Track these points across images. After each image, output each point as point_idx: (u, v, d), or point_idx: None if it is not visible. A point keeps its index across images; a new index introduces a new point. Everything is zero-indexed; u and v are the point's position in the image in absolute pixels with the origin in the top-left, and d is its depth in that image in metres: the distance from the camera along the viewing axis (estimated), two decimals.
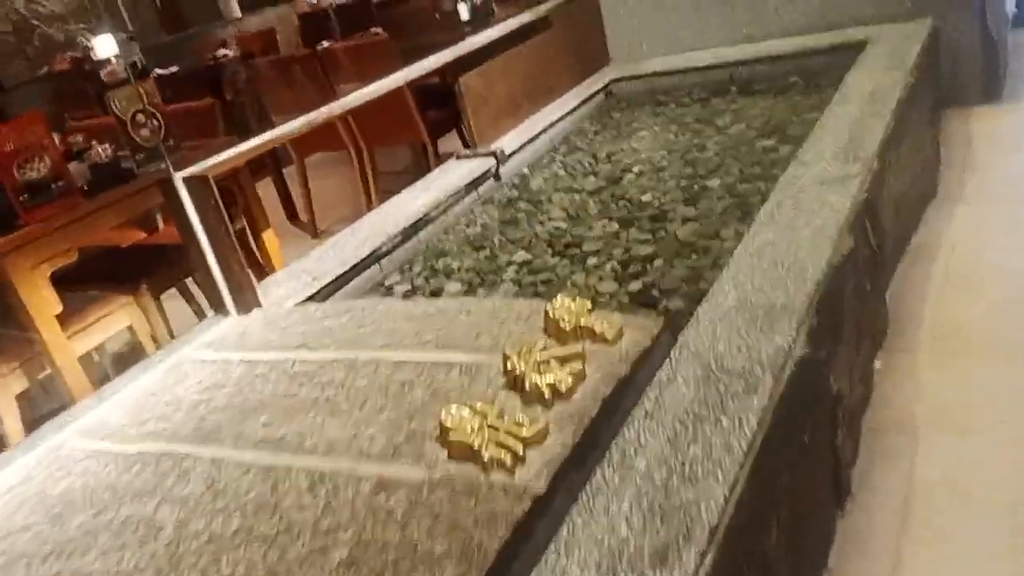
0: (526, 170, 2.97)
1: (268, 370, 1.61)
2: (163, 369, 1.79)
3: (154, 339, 2.24)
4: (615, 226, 2.33)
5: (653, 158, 2.76)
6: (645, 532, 1.05)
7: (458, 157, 2.90)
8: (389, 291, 2.28)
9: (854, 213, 1.79)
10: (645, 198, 2.46)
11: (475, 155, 2.86)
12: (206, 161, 1.93)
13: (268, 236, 2.49)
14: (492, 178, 2.84)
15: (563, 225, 2.43)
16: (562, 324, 1.42)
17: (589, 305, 1.46)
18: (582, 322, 1.42)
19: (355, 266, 2.26)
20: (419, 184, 2.74)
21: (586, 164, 2.89)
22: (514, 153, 2.95)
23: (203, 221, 1.94)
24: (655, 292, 1.92)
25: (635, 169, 2.71)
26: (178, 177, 1.90)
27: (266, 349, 1.71)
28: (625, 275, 2.03)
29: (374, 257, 2.30)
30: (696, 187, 2.44)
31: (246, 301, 2.01)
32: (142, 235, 2.66)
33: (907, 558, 1.44)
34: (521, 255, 2.29)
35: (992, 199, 2.57)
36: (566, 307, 1.44)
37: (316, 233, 3.66)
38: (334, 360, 1.55)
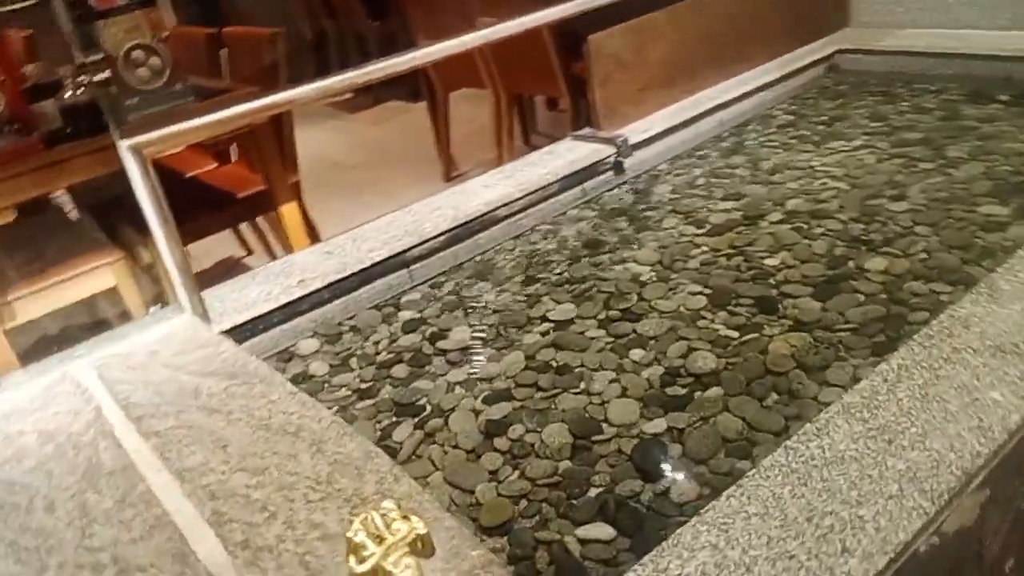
0: (664, 166, 2.28)
1: (71, 450, 1.22)
2: (48, 382, 1.48)
3: (147, 305, 1.97)
4: (702, 300, 1.64)
5: (824, 192, 1.96)
6: None
7: (575, 137, 2.27)
8: (396, 311, 1.80)
9: (1017, 443, 1.02)
10: (770, 262, 1.72)
11: (594, 138, 2.22)
12: (156, 130, 1.53)
13: (288, 210, 2.09)
14: (612, 171, 2.20)
15: (644, 274, 1.77)
16: (356, 563, 0.87)
17: (417, 528, 0.89)
18: (389, 563, 0.87)
19: (357, 273, 1.80)
20: (507, 167, 2.17)
21: (738, 176, 2.14)
22: (655, 139, 2.27)
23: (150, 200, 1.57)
24: (671, 453, 1.27)
25: (789, 205, 1.94)
26: (124, 145, 1.53)
27: (124, 400, 1.32)
28: (656, 398, 1.39)
29: (380, 267, 1.81)
30: (850, 264, 1.65)
31: (194, 302, 1.64)
32: (211, 165, 2.38)
33: None
34: (565, 309, 1.70)
35: None
36: (373, 529, 0.89)
37: (449, 176, 3.21)
38: (129, 467, 1.13)
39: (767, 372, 1.40)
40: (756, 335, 1.50)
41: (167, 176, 2.46)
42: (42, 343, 2.11)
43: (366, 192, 3.16)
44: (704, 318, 1.58)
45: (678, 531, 0.96)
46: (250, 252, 2.64)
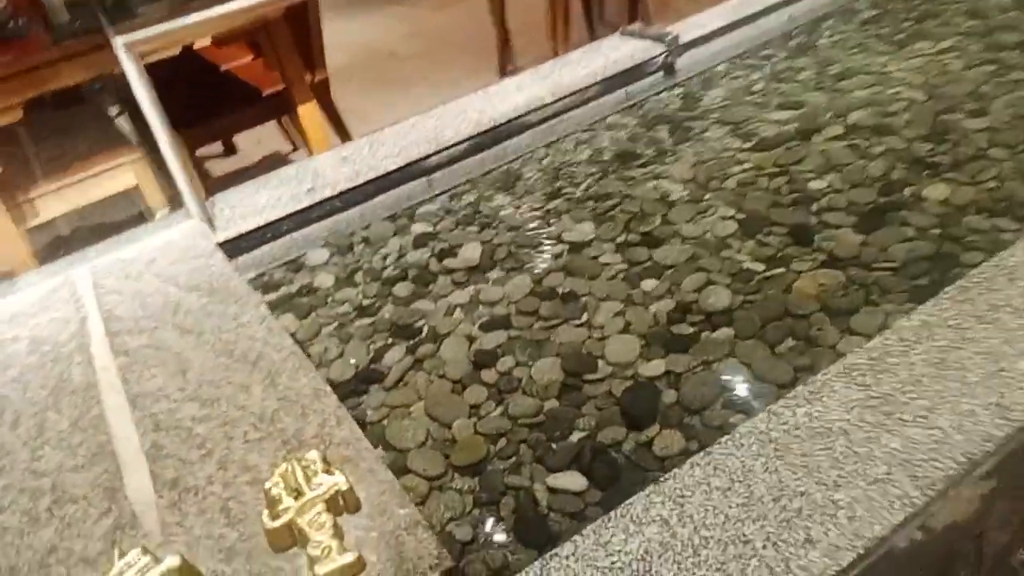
0: (722, 67, 2.07)
1: (50, 362, 1.21)
2: (52, 286, 1.48)
3: (168, 206, 1.93)
4: (732, 226, 1.49)
5: (894, 104, 1.73)
6: None
7: (623, 33, 2.08)
8: (410, 223, 1.72)
9: None
10: (815, 185, 1.54)
11: (643, 35, 2.03)
12: (151, 28, 1.45)
13: (307, 111, 1.98)
14: (661, 73, 2.01)
15: (675, 193, 1.62)
16: (269, 518, 0.82)
17: (339, 484, 0.83)
18: (304, 520, 0.82)
19: (372, 181, 1.72)
20: (545, 67, 2.01)
21: (799, 83, 1.92)
22: (712, 37, 2.05)
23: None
24: (664, 399, 1.17)
25: (851, 118, 1.72)
26: (119, 43, 1.46)
27: (109, 311, 1.31)
28: (660, 336, 1.27)
29: (397, 175, 1.72)
30: (905, 192, 1.46)
31: (199, 208, 1.60)
32: (247, 58, 2.28)
33: None
34: (582, 230, 1.57)
35: None
36: (292, 482, 0.84)
37: (504, 70, 3.03)
38: (92, 387, 1.11)
39: (786, 314, 1.27)
40: (783, 270, 1.36)
41: (197, 68, 2.40)
42: (62, 243, 2.14)
43: (418, 84, 3.04)
44: (730, 247, 1.44)
45: (629, 501, 0.88)
46: (295, 148, 2.59)
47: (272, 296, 1.59)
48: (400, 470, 1.15)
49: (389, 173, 1.73)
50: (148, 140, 2.18)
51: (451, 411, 1.23)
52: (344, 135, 2.23)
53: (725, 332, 1.26)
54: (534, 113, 1.86)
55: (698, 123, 1.85)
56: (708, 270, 1.39)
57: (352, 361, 1.37)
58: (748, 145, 1.72)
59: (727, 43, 2.07)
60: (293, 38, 1.88)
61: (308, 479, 0.85)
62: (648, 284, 1.40)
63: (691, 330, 1.28)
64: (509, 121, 1.83)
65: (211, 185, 2.67)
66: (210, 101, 2.08)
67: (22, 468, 1.00)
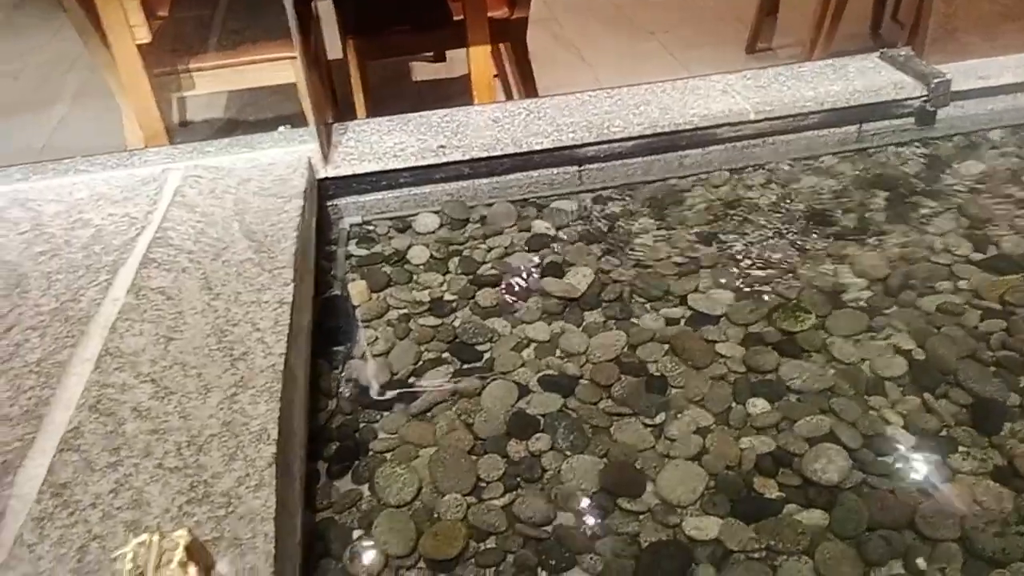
0: (994, 135, 1.60)
1: (83, 268, 1.13)
2: (149, 175, 1.41)
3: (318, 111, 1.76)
4: (902, 365, 1.12)
5: None
6: None
7: (882, 56, 1.65)
8: (535, 217, 1.48)
9: None
10: None
11: (906, 66, 1.59)
12: None
13: (477, 54, 1.71)
14: (913, 119, 1.59)
15: (849, 291, 1.26)
16: None
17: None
18: None
19: (509, 156, 1.49)
20: (765, 74, 1.64)
21: None
22: (996, 92, 1.59)
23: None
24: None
25: None
26: None
27: (163, 233, 1.20)
28: (733, 486, 0.98)
29: (542, 156, 1.48)
30: None
31: (320, 134, 1.46)
32: None
33: None
34: (716, 299, 1.27)
35: None
36: (142, 560, 0.68)
37: (753, 47, 2.58)
38: (84, 321, 1.00)
39: (911, 527, 0.93)
40: (938, 457, 1.00)
41: None
42: (202, 123, 2.10)
43: (654, 38, 2.70)
44: (884, 395, 1.09)
45: None
46: (495, 75, 2.39)
47: (362, 251, 1.44)
48: (364, 525, 0.97)
49: (533, 152, 1.50)
50: (319, 38, 2.08)
51: (454, 477, 1.03)
52: (528, 86, 1.98)
53: (817, 517, 0.94)
54: (729, 127, 1.53)
55: (929, 202, 1.43)
56: (839, 418, 1.06)
57: (392, 366, 1.20)
58: (978, 256, 1.31)
59: (1012, 106, 1.59)
60: None
61: (159, 566, 0.69)
62: (756, 405, 1.09)
63: (776, 494, 0.98)
64: (694, 129, 1.52)
65: (400, 90, 2.55)
66: (402, 10, 1.91)
67: None
